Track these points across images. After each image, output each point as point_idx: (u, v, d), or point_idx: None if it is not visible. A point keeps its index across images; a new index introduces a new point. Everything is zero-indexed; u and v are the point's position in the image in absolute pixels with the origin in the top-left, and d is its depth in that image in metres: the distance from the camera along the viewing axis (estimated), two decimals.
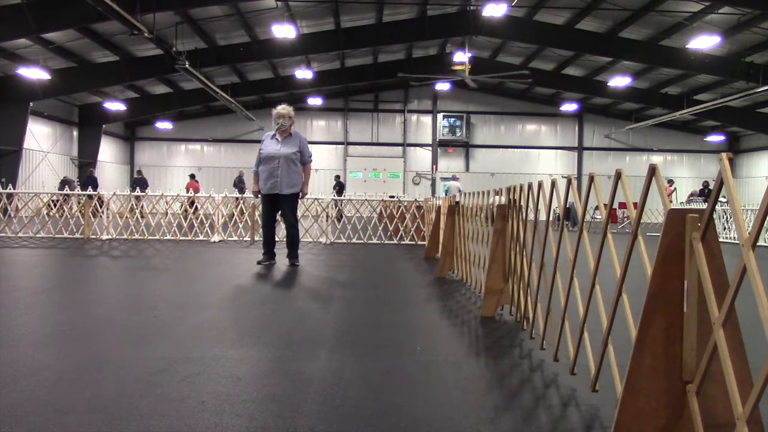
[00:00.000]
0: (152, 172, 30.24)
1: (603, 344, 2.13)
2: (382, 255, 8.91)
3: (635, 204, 2.16)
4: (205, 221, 11.61)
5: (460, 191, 14.82)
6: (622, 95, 27.02)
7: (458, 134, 31.73)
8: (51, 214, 12.25)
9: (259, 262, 7.04)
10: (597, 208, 17.64)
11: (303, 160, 6.96)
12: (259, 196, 7.06)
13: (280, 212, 7.14)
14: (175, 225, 11.29)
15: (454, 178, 20.71)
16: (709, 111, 25.56)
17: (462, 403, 2.37)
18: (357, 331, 3.60)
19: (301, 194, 7.01)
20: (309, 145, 7.18)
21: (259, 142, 7.16)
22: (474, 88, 27.61)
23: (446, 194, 16.22)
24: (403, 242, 11.18)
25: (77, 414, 2.11)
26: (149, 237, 10.73)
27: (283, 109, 6.93)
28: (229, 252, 8.84)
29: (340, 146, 31.99)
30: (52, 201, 12.50)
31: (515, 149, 32.44)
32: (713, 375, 1.67)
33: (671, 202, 18.70)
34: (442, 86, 27.58)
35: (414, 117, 32.29)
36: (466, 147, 32.26)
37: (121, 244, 9.63)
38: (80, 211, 11.78)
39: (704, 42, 17.99)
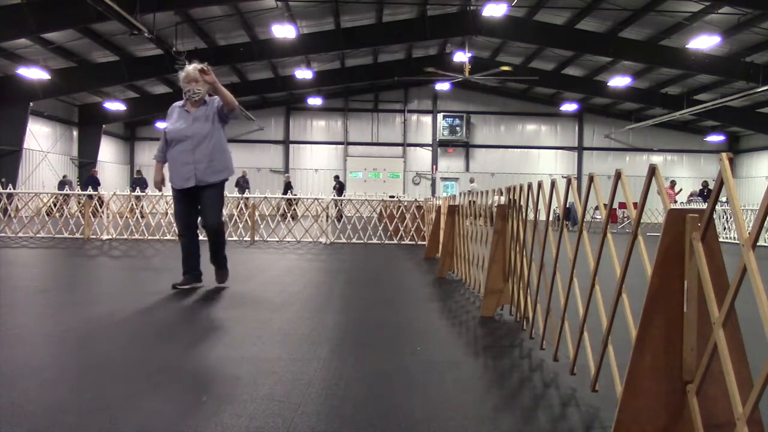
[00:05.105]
0: (152, 172, 30.17)
1: (603, 344, 2.13)
2: (382, 255, 8.91)
3: (635, 204, 2.16)
4: None
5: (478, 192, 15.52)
6: (622, 95, 27.01)
7: (458, 134, 31.73)
8: (51, 214, 12.24)
9: (174, 286, 4.92)
10: (597, 208, 17.64)
11: (224, 120, 4.95)
12: (170, 190, 5.20)
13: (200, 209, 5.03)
14: (175, 225, 11.27)
15: (471, 181, 23.59)
16: (709, 111, 25.55)
17: (462, 403, 2.37)
18: (357, 331, 3.59)
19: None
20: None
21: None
22: (477, 83, 27.69)
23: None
24: (403, 242, 11.17)
25: (77, 414, 2.11)
26: (149, 237, 10.73)
27: (194, 70, 4.78)
28: (229, 252, 8.81)
29: (340, 146, 31.94)
30: (52, 203, 12.48)
31: (515, 149, 32.44)
32: (713, 375, 1.67)
33: (675, 202, 18.72)
34: (442, 86, 27.57)
35: (414, 117, 32.28)
36: (466, 147, 32.26)
37: (121, 244, 9.62)
38: (80, 211, 11.77)
39: (704, 42, 17.98)
